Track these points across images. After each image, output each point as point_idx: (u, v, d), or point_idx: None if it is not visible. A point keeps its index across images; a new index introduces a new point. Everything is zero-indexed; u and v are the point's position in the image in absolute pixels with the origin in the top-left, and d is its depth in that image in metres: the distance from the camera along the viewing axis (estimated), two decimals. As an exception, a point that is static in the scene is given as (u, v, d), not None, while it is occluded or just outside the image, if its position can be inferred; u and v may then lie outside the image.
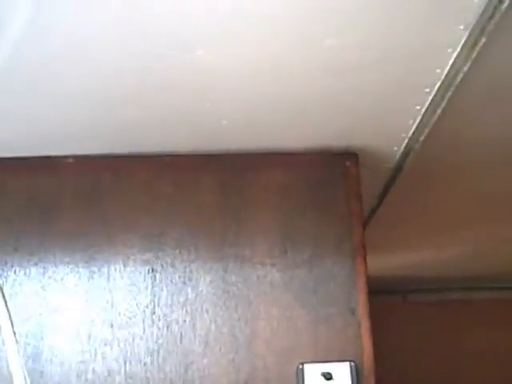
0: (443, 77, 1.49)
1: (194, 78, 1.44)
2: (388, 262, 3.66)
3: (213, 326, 1.71)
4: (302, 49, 1.36)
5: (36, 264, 1.76)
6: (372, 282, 1.79)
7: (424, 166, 2.06)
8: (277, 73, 1.45)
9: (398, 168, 2.00)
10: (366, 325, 1.71)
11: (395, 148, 1.86)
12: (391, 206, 2.43)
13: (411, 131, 1.76)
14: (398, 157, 1.92)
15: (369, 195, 2.07)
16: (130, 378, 1.68)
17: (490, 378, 4.06)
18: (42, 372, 1.69)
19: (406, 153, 1.89)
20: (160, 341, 1.70)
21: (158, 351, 1.69)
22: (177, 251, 1.77)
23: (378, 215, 2.56)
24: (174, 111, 1.59)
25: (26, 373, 1.61)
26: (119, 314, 1.72)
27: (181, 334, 1.70)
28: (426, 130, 1.75)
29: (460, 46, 1.36)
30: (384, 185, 2.14)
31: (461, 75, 1.47)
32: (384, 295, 3.98)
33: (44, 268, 1.76)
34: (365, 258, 1.78)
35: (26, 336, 1.70)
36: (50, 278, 1.75)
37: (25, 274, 1.75)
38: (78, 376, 1.69)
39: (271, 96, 1.55)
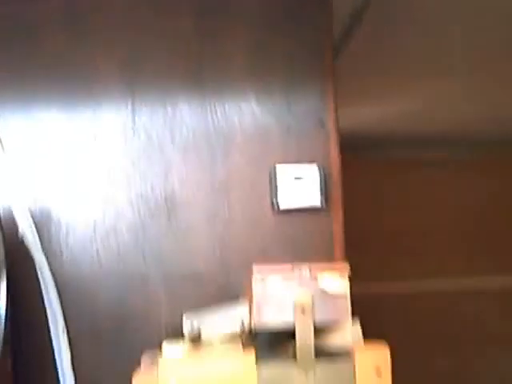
0: None
1: None
2: (343, 116, 3.75)
3: (191, 136, 1.81)
4: None
5: (20, 86, 1.80)
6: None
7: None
8: None
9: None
10: (334, 136, 1.83)
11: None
12: (358, 42, 2.49)
13: None
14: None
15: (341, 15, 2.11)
16: (113, 187, 1.78)
17: (437, 228, 4.31)
18: (34, 193, 1.78)
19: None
20: (141, 150, 1.80)
21: (139, 160, 1.80)
22: (155, 73, 1.83)
23: (342, 56, 2.62)
24: None
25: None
26: (101, 126, 1.80)
27: (160, 143, 1.80)
28: None
29: None
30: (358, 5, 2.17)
31: None
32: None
33: (27, 87, 1.80)
34: (333, 79, 1.88)
35: (15, 155, 1.78)
36: (33, 95, 1.80)
37: (9, 94, 1.80)
38: (63, 188, 1.79)
39: None
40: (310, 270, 1.39)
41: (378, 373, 1.38)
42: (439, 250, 4.32)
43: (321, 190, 1.77)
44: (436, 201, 4.38)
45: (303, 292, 1.38)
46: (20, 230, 1.70)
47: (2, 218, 1.70)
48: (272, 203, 1.79)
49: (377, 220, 4.34)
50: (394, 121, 3.88)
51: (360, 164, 4.32)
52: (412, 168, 4.37)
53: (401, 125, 3.99)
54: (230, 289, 1.74)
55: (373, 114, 3.74)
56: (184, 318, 1.45)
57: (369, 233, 4.23)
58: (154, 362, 1.43)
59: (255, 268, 1.37)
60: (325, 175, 1.79)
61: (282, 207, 1.78)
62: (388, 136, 4.26)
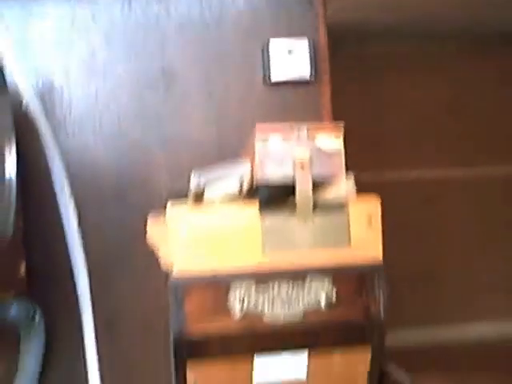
0: None
1: None
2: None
3: (186, 13, 1.88)
4: None
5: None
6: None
7: None
8: None
9: None
10: (322, 13, 1.92)
11: None
12: None
13: None
14: None
15: None
16: (112, 59, 1.86)
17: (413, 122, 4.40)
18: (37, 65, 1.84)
19: None
20: (138, 25, 1.87)
21: (137, 33, 1.87)
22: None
23: None
24: None
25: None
26: (98, 8, 1.86)
27: (156, 19, 1.87)
28: None
29: None
30: None
31: None
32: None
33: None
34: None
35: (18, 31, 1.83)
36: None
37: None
38: (64, 61, 1.86)
39: None
40: (308, 131, 1.51)
41: (369, 222, 1.53)
42: (419, 142, 4.41)
43: (310, 62, 1.88)
44: (414, 95, 4.43)
45: (302, 149, 1.50)
46: (24, 100, 1.77)
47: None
48: (264, 76, 1.89)
49: (353, 115, 4.39)
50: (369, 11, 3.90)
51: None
52: (385, 61, 4.41)
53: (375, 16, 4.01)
54: (225, 155, 1.84)
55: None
56: (192, 174, 1.56)
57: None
58: (162, 215, 1.54)
59: (258, 127, 1.48)
60: (314, 49, 1.89)
61: (273, 79, 1.88)
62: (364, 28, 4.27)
